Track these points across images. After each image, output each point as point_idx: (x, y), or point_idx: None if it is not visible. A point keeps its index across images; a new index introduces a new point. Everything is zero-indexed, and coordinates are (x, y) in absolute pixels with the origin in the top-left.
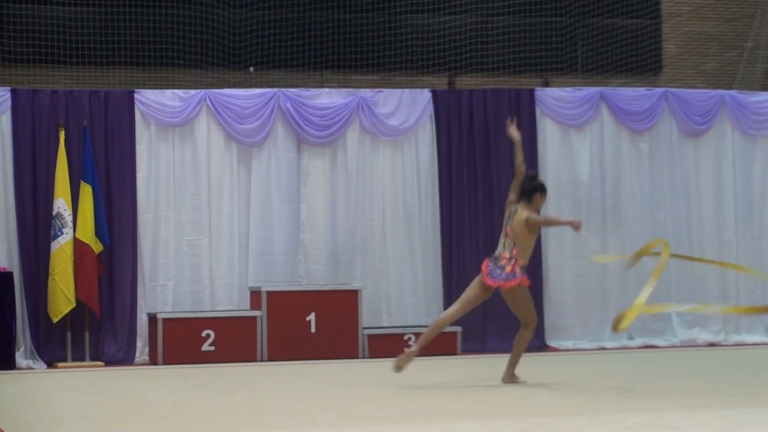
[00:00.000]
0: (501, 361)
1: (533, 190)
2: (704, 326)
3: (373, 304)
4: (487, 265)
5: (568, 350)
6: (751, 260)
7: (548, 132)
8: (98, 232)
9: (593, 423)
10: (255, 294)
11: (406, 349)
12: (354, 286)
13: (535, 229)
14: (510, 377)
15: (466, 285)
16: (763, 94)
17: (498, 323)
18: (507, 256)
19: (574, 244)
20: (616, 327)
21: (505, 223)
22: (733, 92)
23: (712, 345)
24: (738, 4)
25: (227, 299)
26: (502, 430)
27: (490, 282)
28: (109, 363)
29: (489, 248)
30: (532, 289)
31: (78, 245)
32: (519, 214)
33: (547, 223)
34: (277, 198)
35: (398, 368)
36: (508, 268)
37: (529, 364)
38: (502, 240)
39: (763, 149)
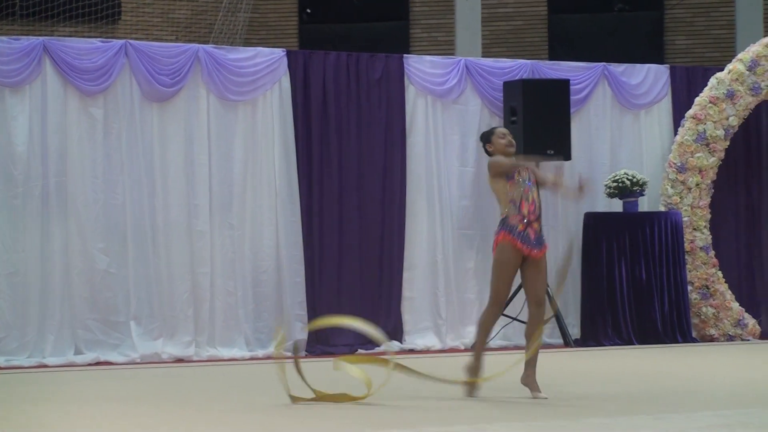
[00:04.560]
0: None
1: (483, 140)
2: (171, 338)
3: None
4: None
5: (2, 369)
6: (230, 254)
7: None
8: None
9: None
10: None
11: None
12: None
13: (494, 172)
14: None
15: None
16: (246, 50)
17: None
18: None
19: (11, 232)
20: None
21: None
22: (209, 47)
23: (180, 361)
24: None
25: None
26: None
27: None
28: None
29: None
30: None
31: None
32: None
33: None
34: None
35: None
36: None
37: None
38: None
39: (245, 119)
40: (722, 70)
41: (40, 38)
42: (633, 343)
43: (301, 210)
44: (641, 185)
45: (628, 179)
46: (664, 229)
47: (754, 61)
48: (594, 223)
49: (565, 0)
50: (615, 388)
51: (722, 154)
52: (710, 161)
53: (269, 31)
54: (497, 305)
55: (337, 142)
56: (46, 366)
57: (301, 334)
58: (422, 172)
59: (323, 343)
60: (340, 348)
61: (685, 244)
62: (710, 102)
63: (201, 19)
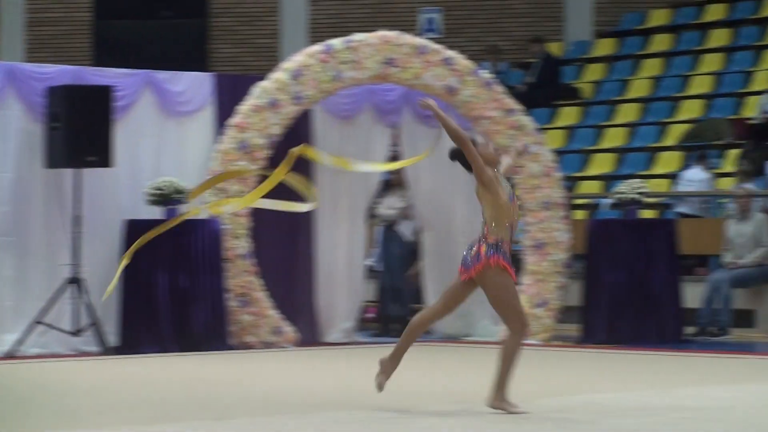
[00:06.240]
0: None
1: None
2: None
3: None
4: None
5: None
6: None
7: None
8: None
9: None
10: None
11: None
12: None
13: (482, 180)
14: (499, 401)
15: None
16: None
17: None
18: (478, 235)
19: None
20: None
21: None
22: None
23: None
24: None
25: None
26: None
27: (460, 270)
28: None
29: None
30: None
31: None
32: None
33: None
34: None
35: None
36: (474, 250)
37: None
38: None
39: None
40: (267, 79)
41: None
42: (173, 351)
43: None
44: (182, 192)
45: (168, 186)
46: (203, 237)
47: (297, 70)
48: (134, 230)
49: (111, 6)
50: (150, 395)
51: (264, 162)
52: (252, 169)
53: None
54: (527, 326)
55: None
56: None
57: None
58: None
59: None
60: None
61: (226, 252)
62: (253, 110)
63: None
